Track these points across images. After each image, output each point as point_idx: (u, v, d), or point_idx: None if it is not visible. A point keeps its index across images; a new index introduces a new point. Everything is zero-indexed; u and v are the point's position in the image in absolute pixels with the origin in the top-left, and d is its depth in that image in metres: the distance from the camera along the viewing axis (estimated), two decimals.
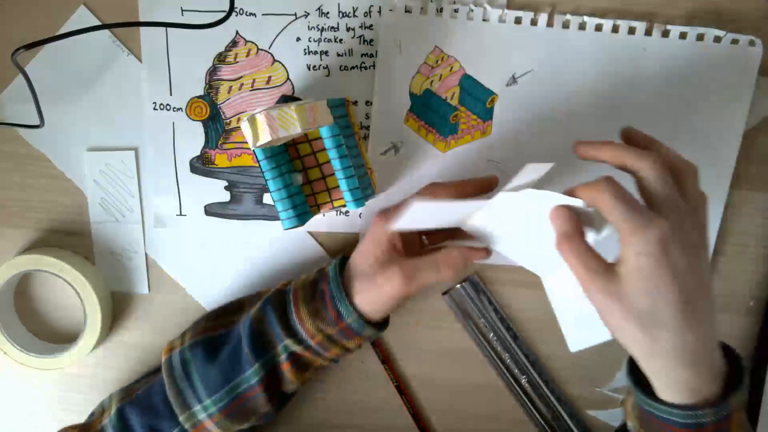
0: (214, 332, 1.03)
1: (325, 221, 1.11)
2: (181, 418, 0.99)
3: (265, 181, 0.98)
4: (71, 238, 1.13)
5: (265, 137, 0.88)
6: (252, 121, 0.89)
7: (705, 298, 0.79)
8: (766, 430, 1.11)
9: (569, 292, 0.89)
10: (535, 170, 0.90)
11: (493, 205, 0.88)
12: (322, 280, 0.99)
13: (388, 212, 0.96)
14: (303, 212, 1.02)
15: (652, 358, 0.80)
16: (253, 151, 0.97)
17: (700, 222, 0.83)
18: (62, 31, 1.06)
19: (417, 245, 1.00)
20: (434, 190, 0.95)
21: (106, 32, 1.07)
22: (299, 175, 1.04)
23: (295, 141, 1.04)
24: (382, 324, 1.02)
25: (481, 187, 0.97)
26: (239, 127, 1.07)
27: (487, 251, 0.95)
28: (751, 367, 1.13)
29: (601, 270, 0.79)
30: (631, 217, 0.76)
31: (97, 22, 1.06)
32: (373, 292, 0.95)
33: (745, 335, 1.14)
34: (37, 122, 1.04)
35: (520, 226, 0.89)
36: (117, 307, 1.15)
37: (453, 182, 0.96)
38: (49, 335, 1.16)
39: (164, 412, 1.00)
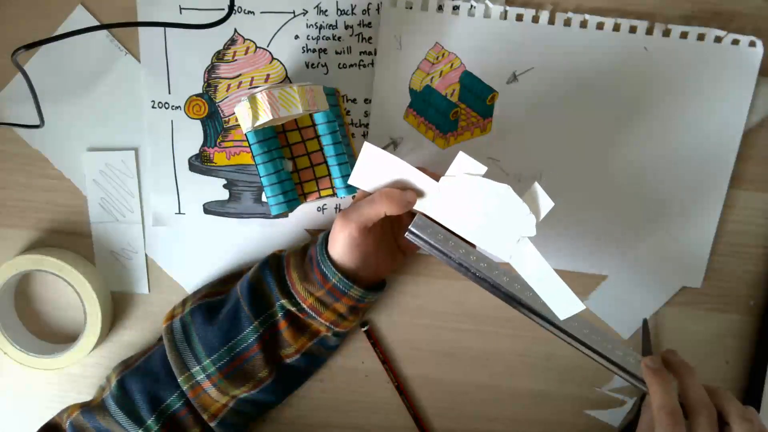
0: (214, 297, 1.03)
1: (322, 218, 1.09)
2: (180, 380, 0.98)
3: (256, 165, 0.96)
4: (71, 238, 1.10)
5: (265, 117, 0.86)
6: (252, 100, 0.86)
7: None
8: None
9: (537, 268, 0.89)
10: (467, 164, 0.89)
11: (441, 188, 0.91)
12: (312, 245, 0.99)
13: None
14: (292, 199, 1.00)
15: None
16: (246, 134, 0.95)
17: None
18: (60, 31, 1.03)
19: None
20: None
21: (104, 32, 1.04)
22: (290, 162, 1.02)
23: (285, 128, 1.02)
24: (374, 287, 1.01)
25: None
26: (238, 125, 1.05)
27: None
28: (750, 367, 1.11)
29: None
30: None
31: (95, 22, 1.03)
32: (332, 243, 0.95)
33: (745, 335, 1.11)
34: (36, 122, 1.02)
35: (469, 211, 0.90)
36: (117, 307, 1.12)
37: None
38: (49, 335, 1.13)
39: (164, 378, 0.99)
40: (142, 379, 0.99)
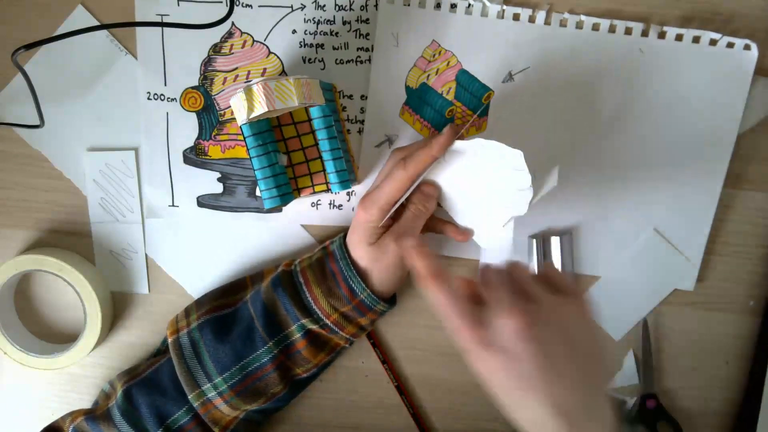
0: (221, 311, 1.00)
1: (318, 214, 1.07)
2: (190, 397, 0.96)
3: (250, 158, 0.94)
4: (71, 238, 1.09)
5: (260, 108, 0.85)
6: (248, 92, 0.85)
7: (574, 363, 0.73)
8: (766, 430, 1.06)
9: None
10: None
11: (447, 155, 0.93)
12: (329, 259, 0.97)
13: (368, 197, 0.94)
14: (286, 193, 0.98)
15: (528, 408, 0.74)
16: (241, 126, 0.93)
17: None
18: (60, 31, 1.02)
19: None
20: (405, 160, 0.92)
21: (104, 32, 1.03)
22: (284, 156, 1.00)
23: (281, 122, 1.00)
24: (391, 299, 1.00)
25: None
26: (233, 118, 1.03)
27: (468, 234, 0.98)
28: (750, 367, 1.09)
29: (477, 317, 0.75)
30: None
31: (95, 22, 1.03)
32: (378, 266, 0.94)
33: (745, 335, 1.09)
34: (36, 122, 1.00)
35: (468, 179, 0.93)
36: (117, 307, 1.10)
37: (416, 144, 0.96)
38: (49, 335, 1.11)
39: (172, 392, 0.97)
40: (149, 392, 0.97)
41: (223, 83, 1.03)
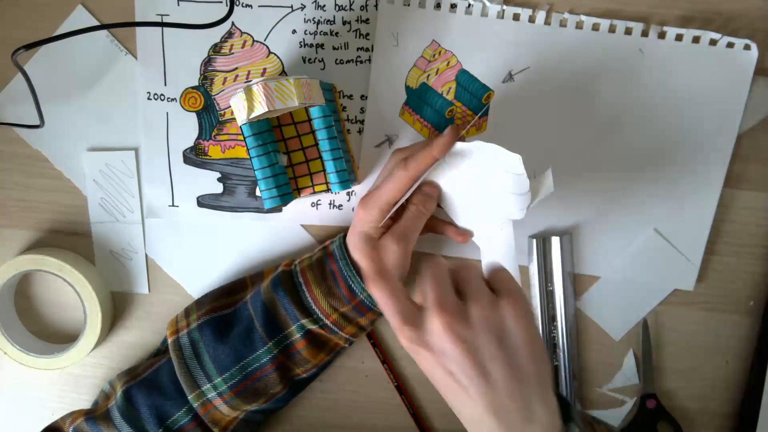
0: (221, 311, 1.00)
1: (318, 214, 1.07)
2: (190, 398, 0.95)
3: (250, 158, 0.93)
4: (71, 238, 1.08)
5: (260, 108, 0.84)
6: (248, 92, 0.85)
7: (506, 364, 0.72)
8: (766, 430, 1.05)
9: (503, 252, 0.92)
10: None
11: (447, 156, 0.92)
12: (329, 259, 0.96)
13: (369, 197, 0.93)
14: (286, 193, 0.97)
15: (465, 407, 0.73)
16: (241, 126, 0.92)
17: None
18: (60, 31, 1.02)
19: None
20: (405, 161, 0.92)
21: (104, 32, 1.02)
22: (284, 156, 0.99)
23: (281, 122, 0.99)
24: None
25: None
26: (233, 118, 1.03)
27: (467, 235, 0.97)
28: (750, 367, 1.08)
29: (411, 315, 0.74)
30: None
31: (95, 22, 1.02)
32: (378, 266, 0.91)
33: (745, 335, 1.09)
34: (36, 122, 1.00)
35: (467, 181, 0.92)
36: (117, 307, 1.10)
37: (418, 145, 0.96)
38: (49, 335, 1.11)
39: (172, 393, 0.96)
40: (149, 393, 0.96)
41: (223, 83, 1.02)
